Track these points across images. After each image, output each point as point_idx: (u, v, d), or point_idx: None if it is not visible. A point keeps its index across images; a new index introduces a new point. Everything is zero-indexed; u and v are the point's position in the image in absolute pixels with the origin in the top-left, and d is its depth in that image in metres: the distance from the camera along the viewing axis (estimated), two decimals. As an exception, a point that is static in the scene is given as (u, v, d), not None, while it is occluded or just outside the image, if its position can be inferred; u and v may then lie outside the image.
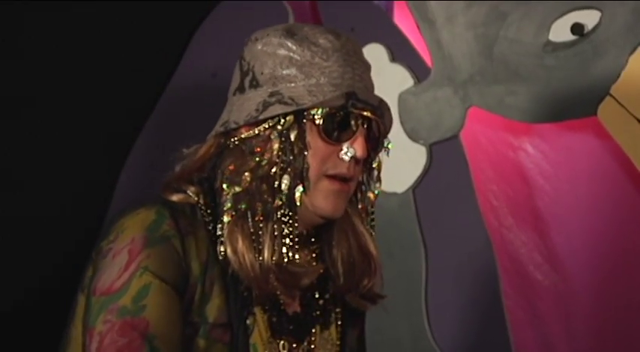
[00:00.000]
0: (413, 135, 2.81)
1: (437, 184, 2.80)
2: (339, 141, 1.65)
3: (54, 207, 2.78)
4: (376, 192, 1.75)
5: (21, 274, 2.69)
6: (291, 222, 1.64)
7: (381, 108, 1.69)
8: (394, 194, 2.84)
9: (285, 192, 1.62)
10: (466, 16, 2.74)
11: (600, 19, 2.58)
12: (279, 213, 1.63)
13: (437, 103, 2.78)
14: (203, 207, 1.66)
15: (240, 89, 1.68)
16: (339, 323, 1.79)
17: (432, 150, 2.80)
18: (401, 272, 2.85)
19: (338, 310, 1.78)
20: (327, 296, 1.76)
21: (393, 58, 2.84)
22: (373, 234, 1.76)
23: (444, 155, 2.79)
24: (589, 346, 2.76)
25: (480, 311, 2.80)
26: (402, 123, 2.82)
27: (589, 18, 2.59)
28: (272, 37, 1.66)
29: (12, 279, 2.66)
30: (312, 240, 1.75)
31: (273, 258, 1.62)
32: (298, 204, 1.63)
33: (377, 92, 2.82)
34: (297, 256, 1.67)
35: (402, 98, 2.82)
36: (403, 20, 2.88)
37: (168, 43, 3.08)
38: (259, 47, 1.66)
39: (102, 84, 2.88)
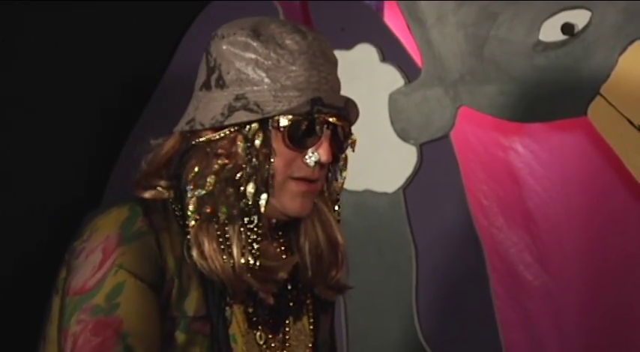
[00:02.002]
0: (403, 135, 2.81)
1: (427, 184, 2.80)
2: (304, 148, 1.65)
3: (44, 205, 2.78)
4: (341, 180, 1.75)
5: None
6: (255, 229, 1.64)
7: (346, 108, 1.68)
8: (384, 194, 2.84)
9: (250, 199, 1.62)
10: (456, 16, 2.74)
11: (590, 18, 2.58)
12: (245, 218, 1.63)
13: (427, 103, 2.78)
14: (174, 203, 1.67)
15: (207, 86, 1.66)
16: (311, 314, 1.79)
17: (422, 150, 2.80)
18: (391, 272, 2.85)
19: (309, 302, 1.79)
20: (299, 286, 1.76)
21: (384, 58, 2.84)
22: (339, 220, 1.76)
23: (435, 155, 2.79)
24: (579, 346, 2.76)
25: (470, 312, 2.80)
26: (392, 123, 2.82)
27: (579, 18, 2.59)
28: (238, 37, 1.64)
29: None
30: (280, 232, 1.75)
31: (243, 259, 1.63)
32: (263, 210, 1.63)
33: (367, 92, 2.84)
34: (267, 252, 1.68)
35: (392, 98, 2.82)
36: (393, 20, 2.87)
37: (158, 43, 3.07)
38: (225, 46, 1.64)
39: (93, 84, 2.88)
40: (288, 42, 1.64)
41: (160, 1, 2.97)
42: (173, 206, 1.66)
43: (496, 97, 2.71)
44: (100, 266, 1.58)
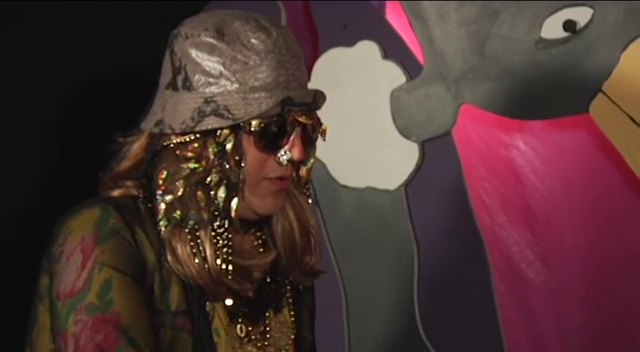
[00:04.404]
0: (405, 132, 2.81)
1: (429, 181, 2.80)
2: (276, 149, 1.65)
3: (36, 205, 2.77)
4: (309, 165, 1.74)
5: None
6: (226, 234, 1.65)
7: (315, 101, 1.67)
8: (386, 191, 2.84)
9: (221, 203, 1.63)
10: (458, 13, 2.74)
11: (592, 16, 2.58)
12: (214, 224, 1.64)
13: (429, 100, 2.78)
14: (144, 202, 1.66)
15: (173, 86, 1.65)
16: (292, 307, 1.80)
17: (424, 147, 2.80)
18: (392, 269, 2.85)
19: (289, 295, 1.80)
20: (278, 279, 1.77)
21: (385, 55, 2.83)
22: (310, 202, 1.77)
23: (436, 152, 2.79)
24: (581, 343, 2.76)
25: (471, 309, 2.80)
26: (394, 120, 2.82)
27: (581, 15, 2.59)
28: (203, 37, 1.63)
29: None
30: (254, 225, 1.76)
31: (218, 261, 1.63)
32: (233, 215, 1.64)
33: (369, 89, 2.84)
34: (242, 249, 1.69)
35: (394, 95, 2.82)
36: (395, 17, 2.87)
37: (157, 42, 3.06)
38: (190, 47, 1.63)
39: (89, 83, 2.88)
40: (253, 41, 1.62)
41: (159, 1, 2.97)
42: (144, 205, 1.66)
43: (498, 95, 2.71)
44: (83, 267, 1.58)
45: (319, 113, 1.71)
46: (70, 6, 2.79)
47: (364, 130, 2.86)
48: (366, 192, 2.86)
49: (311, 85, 2.85)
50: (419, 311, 2.83)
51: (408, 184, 2.81)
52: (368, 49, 2.84)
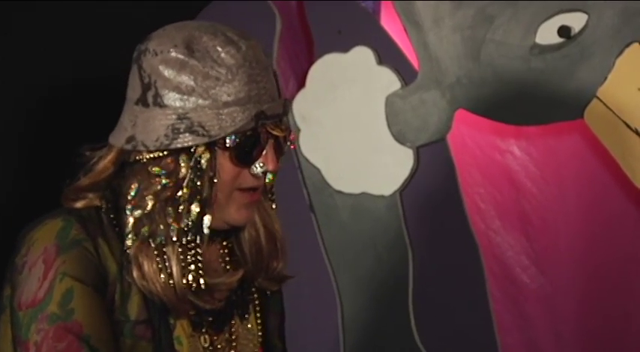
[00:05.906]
0: (400, 138, 2.81)
1: (424, 187, 2.80)
2: (250, 162, 1.65)
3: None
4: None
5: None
6: (194, 250, 1.65)
7: (285, 111, 1.68)
8: (381, 197, 2.83)
9: (194, 219, 1.63)
10: (453, 18, 2.74)
11: (587, 21, 2.58)
12: (184, 239, 1.64)
13: (424, 106, 2.78)
14: (107, 213, 1.66)
15: (144, 102, 1.63)
16: (259, 315, 1.81)
17: (419, 152, 2.79)
18: (387, 274, 2.85)
19: (257, 302, 1.80)
20: (245, 286, 1.77)
21: (380, 61, 2.83)
22: (274, 207, 1.78)
23: (431, 158, 2.79)
24: (576, 348, 2.76)
25: (466, 314, 2.80)
26: (389, 125, 2.81)
27: (576, 20, 2.59)
28: (173, 53, 1.61)
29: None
30: (221, 234, 1.76)
31: (184, 279, 1.64)
32: (206, 232, 1.64)
33: (364, 95, 2.84)
34: (209, 262, 1.70)
35: (389, 101, 2.82)
36: (390, 22, 2.87)
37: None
38: (159, 64, 1.62)
39: (87, 84, 2.87)
40: (223, 56, 1.61)
41: (159, 1, 2.97)
42: (106, 216, 1.66)
43: (493, 100, 2.71)
44: (44, 277, 1.59)
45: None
46: (69, 6, 2.79)
47: (359, 136, 2.85)
48: (361, 198, 2.86)
49: (306, 91, 2.89)
50: (414, 317, 2.83)
51: (403, 190, 2.81)
52: (363, 55, 2.84)
